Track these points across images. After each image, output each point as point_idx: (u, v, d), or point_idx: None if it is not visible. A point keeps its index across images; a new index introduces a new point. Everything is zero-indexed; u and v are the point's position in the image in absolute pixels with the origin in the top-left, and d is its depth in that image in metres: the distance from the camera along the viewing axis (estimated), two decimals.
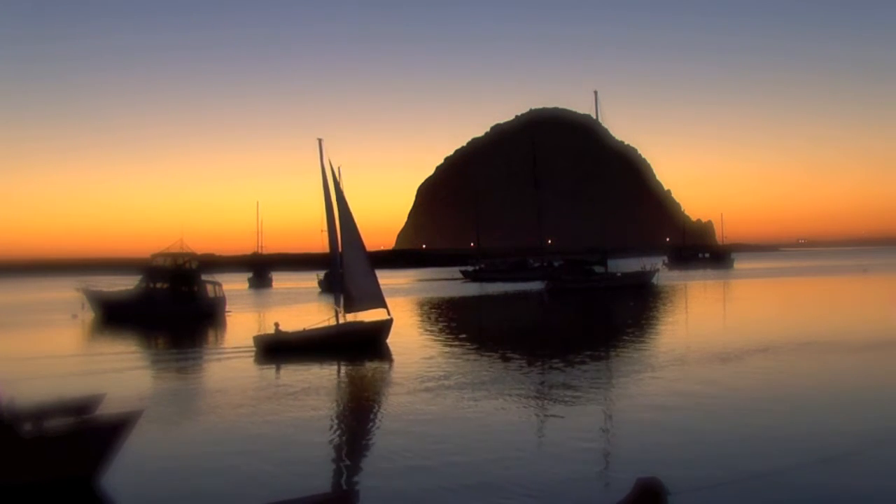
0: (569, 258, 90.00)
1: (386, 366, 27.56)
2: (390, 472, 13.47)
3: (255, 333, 31.36)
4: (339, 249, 32.63)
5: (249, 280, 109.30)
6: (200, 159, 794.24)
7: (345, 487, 12.19)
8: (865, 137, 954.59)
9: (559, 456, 14.17)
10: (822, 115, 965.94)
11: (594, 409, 18.97)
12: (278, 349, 29.93)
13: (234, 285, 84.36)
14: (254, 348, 30.77)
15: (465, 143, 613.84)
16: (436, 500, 11.93)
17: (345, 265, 32.38)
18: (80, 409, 13.13)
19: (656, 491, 8.37)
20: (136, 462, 13.97)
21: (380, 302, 32.71)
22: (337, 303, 32.49)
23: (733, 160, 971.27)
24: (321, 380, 24.19)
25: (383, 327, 32.36)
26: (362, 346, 30.28)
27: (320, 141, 33.92)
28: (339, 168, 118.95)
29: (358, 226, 33.34)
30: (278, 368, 26.62)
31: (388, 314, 32.67)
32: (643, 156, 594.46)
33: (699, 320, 45.23)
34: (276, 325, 31.97)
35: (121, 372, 26.99)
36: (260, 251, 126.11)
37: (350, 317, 32.28)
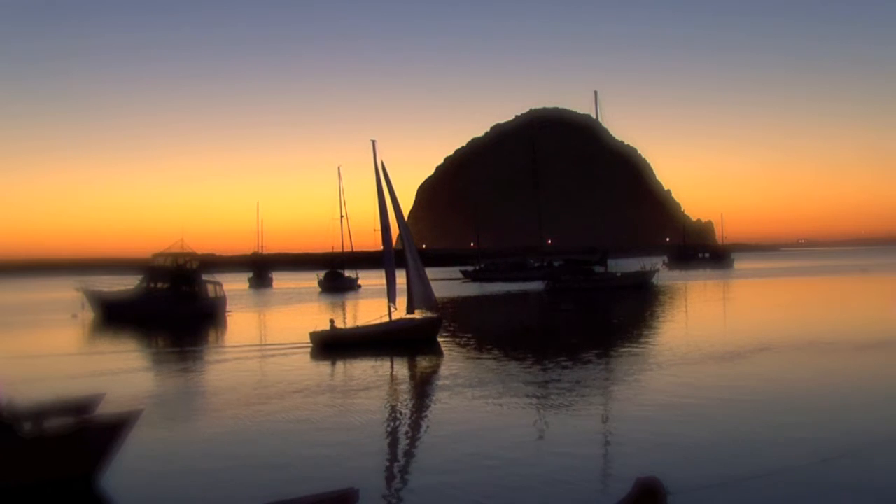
0: (569, 258, 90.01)
1: (425, 363, 27.80)
2: (391, 469, 13.48)
3: (311, 330, 32.59)
4: (392, 248, 33.96)
5: (250, 280, 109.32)
6: (200, 159, 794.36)
7: (346, 487, 12.17)
8: (866, 137, 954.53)
9: (559, 455, 14.16)
10: (822, 114, 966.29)
11: (594, 408, 18.97)
12: (334, 345, 30.73)
13: (234, 285, 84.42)
14: (310, 344, 31.56)
15: (465, 143, 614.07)
16: (433, 497, 11.94)
17: (407, 267, 33.59)
18: (80, 408, 13.15)
19: (656, 490, 8.38)
20: (148, 459, 14.01)
21: (433, 302, 33.90)
22: (391, 300, 33.57)
23: (733, 160, 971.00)
24: (370, 376, 24.56)
25: (436, 324, 33.38)
26: (416, 343, 31.15)
27: (374, 142, 35.07)
28: (339, 168, 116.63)
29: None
30: (333, 364, 27.31)
31: (438, 313, 33.87)
32: (643, 156, 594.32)
33: (699, 320, 45.24)
34: (332, 321, 32.91)
35: (169, 369, 27.73)
36: (260, 251, 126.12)
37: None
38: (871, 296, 63.03)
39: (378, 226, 35.34)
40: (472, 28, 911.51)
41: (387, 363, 27.79)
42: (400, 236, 35.16)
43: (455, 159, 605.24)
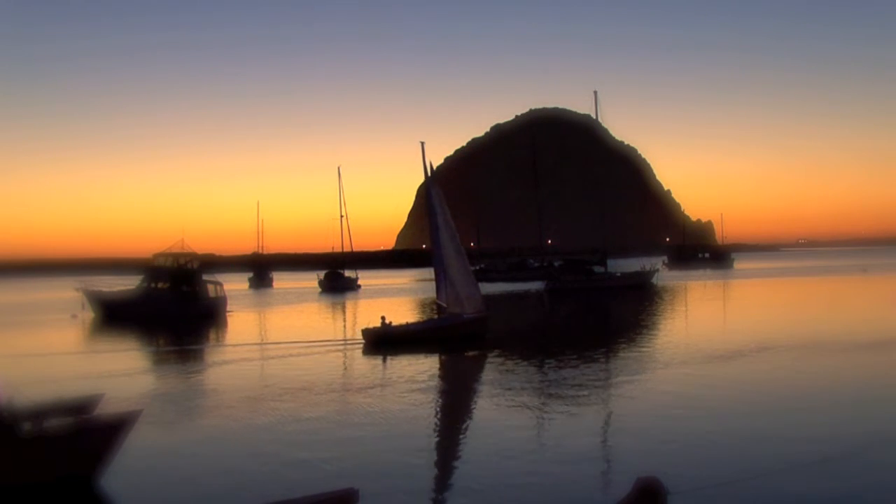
0: (569, 258, 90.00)
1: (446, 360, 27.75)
2: (392, 468, 13.45)
3: (363, 327, 33.79)
4: (441, 249, 34.48)
5: (250, 280, 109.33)
6: (201, 159, 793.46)
7: (346, 486, 12.17)
8: (865, 137, 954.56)
9: (559, 455, 14.16)
10: (822, 114, 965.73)
11: (594, 408, 18.97)
12: (386, 342, 31.53)
13: (234, 285, 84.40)
14: (362, 341, 32.52)
15: (465, 144, 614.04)
16: (433, 496, 11.93)
17: (453, 266, 34.23)
18: (80, 408, 13.14)
19: (656, 490, 8.36)
20: (150, 457, 14.01)
21: (480, 300, 34.61)
22: (440, 298, 34.48)
23: (733, 160, 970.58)
24: (394, 373, 24.80)
25: (485, 321, 34.12)
26: (465, 339, 31.85)
27: (423, 144, 35.64)
28: (339, 168, 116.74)
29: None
30: (384, 359, 28.04)
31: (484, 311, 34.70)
32: (643, 156, 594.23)
33: (699, 320, 45.23)
34: (383, 318, 33.79)
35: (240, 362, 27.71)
36: (260, 251, 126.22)
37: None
38: (871, 296, 63.00)
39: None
40: (473, 29, 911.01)
41: (420, 360, 27.95)
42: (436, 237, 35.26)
43: (455, 159, 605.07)
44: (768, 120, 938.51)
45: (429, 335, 32.60)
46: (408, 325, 34.42)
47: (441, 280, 34.69)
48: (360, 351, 31.08)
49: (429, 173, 35.30)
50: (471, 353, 29.85)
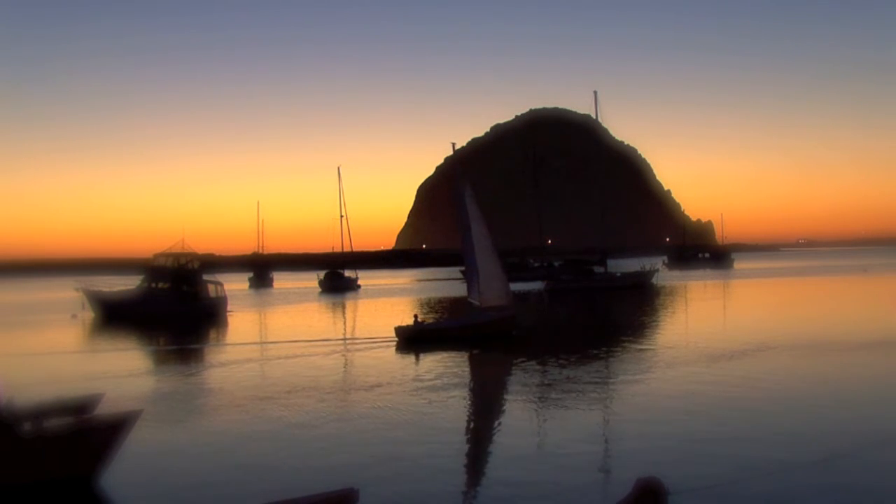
0: (569, 258, 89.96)
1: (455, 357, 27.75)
2: (391, 469, 13.45)
3: (397, 325, 34.31)
4: (473, 248, 34.79)
5: (250, 280, 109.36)
6: (201, 159, 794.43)
7: (346, 486, 12.16)
8: (865, 137, 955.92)
9: (559, 455, 14.16)
10: (822, 115, 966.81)
11: (594, 408, 18.96)
12: (418, 339, 31.99)
13: (234, 285, 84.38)
14: (395, 339, 32.84)
15: (465, 144, 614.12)
16: (432, 497, 11.93)
17: (486, 265, 34.75)
18: (80, 408, 13.14)
19: (656, 490, 8.36)
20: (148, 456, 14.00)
21: (511, 299, 35.32)
22: (472, 297, 35.13)
23: (733, 160, 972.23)
24: (403, 372, 24.81)
25: (514, 319, 34.71)
26: (495, 337, 32.45)
27: (454, 144, 36.16)
28: (339, 168, 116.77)
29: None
30: (417, 357, 28.32)
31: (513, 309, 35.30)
32: (643, 156, 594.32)
33: (699, 320, 45.17)
34: (416, 316, 34.39)
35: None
36: (261, 251, 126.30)
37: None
38: (871, 296, 62.98)
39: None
40: (473, 29, 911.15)
41: (443, 357, 28.06)
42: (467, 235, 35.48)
43: (455, 159, 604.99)
44: (768, 120, 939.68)
45: (460, 333, 33.01)
46: (440, 323, 34.98)
47: (473, 279, 35.01)
48: (365, 351, 31.07)
49: (459, 175, 35.99)
50: (490, 352, 30.01)
